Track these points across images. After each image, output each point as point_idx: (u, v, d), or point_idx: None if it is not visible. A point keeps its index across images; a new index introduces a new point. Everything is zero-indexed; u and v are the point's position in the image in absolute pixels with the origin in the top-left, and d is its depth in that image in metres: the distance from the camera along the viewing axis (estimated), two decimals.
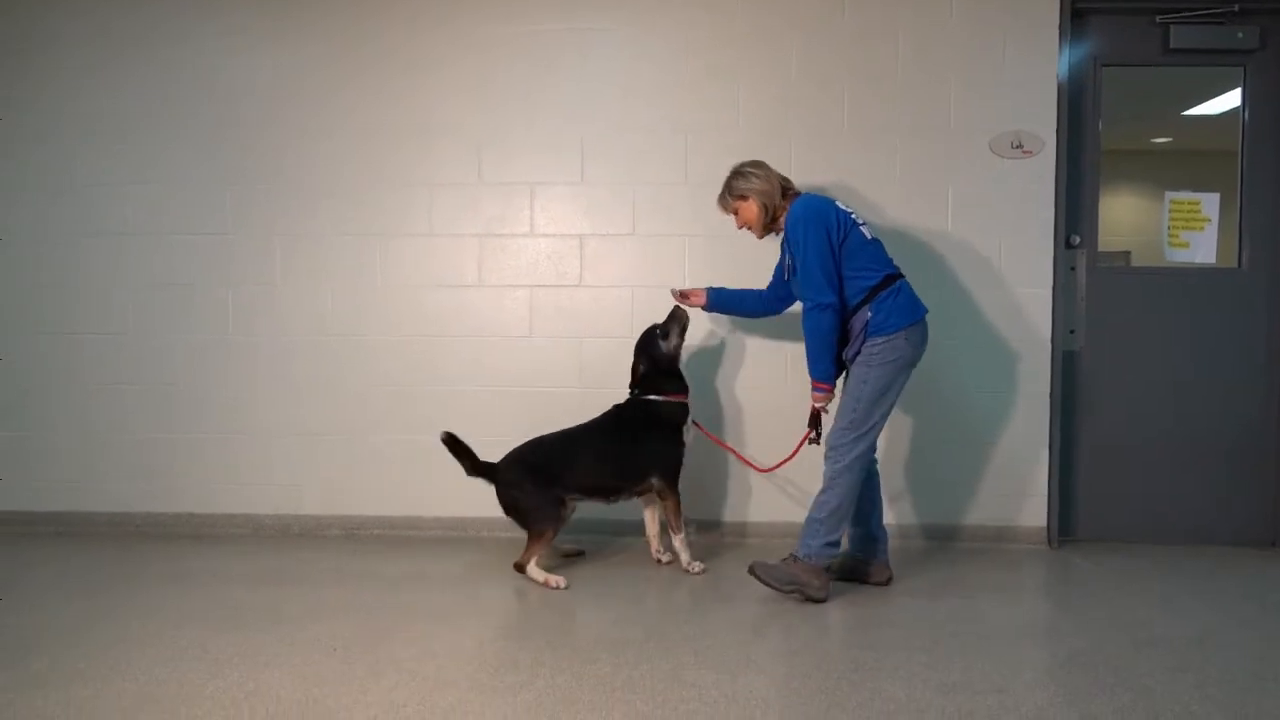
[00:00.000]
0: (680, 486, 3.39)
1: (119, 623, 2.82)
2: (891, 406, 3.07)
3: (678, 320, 3.44)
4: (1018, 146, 3.79)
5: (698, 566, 3.38)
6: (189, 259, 3.99)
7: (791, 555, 3.07)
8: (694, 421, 3.47)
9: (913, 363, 3.08)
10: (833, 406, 3.17)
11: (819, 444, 3.20)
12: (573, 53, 3.89)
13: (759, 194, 3.17)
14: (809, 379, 3.11)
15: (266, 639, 2.68)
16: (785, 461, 3.45)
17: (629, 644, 2.66)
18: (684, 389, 3.43)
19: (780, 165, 3.78)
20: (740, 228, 3.31)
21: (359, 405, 3.98)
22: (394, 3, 3.92)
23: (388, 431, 3.97)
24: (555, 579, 3.19)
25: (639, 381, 3.44)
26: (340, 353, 3.98)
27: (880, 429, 3.06)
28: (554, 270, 3.94)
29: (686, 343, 3.50)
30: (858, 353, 3.05)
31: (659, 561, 3.50)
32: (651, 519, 3.54)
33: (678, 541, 3.39)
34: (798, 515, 3.82)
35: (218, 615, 2.90)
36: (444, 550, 3.71)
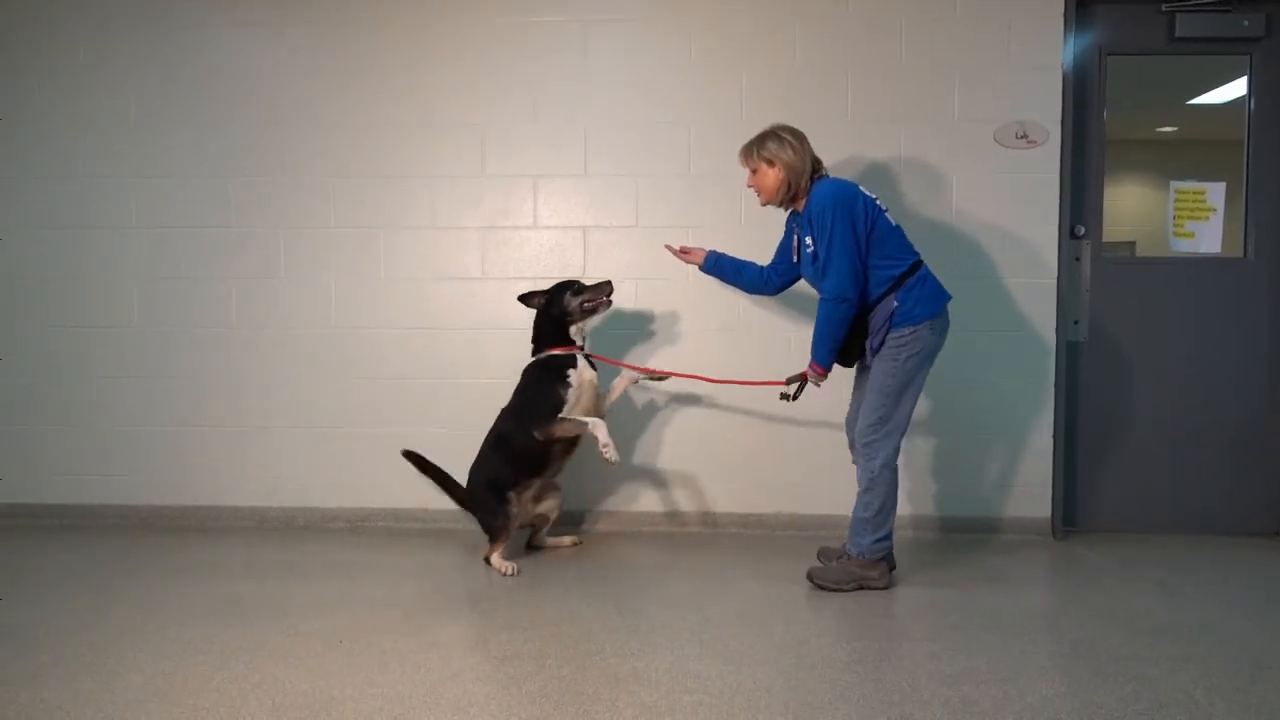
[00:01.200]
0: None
1: (125, 615, 2.83)
2: (918, 397, 3.06)
3: (600, 292, 3.42)
4: (1022, 137, 3.78)
5: (612, 453, 3.21)
6: (193, 252, 4.00)
7: (845, 554, 3.11)
8: (593, 359, 3.49)
9: (936, 351, 3.06)
10: (826, 385, 3.17)
11: (789, 401, 3.22)
12: (576, 44, 3.88)
13: (787, 166, 3.05)
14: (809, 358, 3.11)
15: (272, 631, 2.69)
16: (739, 383, 3.47)
17: (633, 634, 2.66)
18: (571, 343, 3.43)
19: None
20: (750, 187, 3.20)
21: (363, 397, 3.99)
22: None
23: (392, 424, 3.98)
24: (509, 566, 3.29)
25: (533, 338, 3.51)
26: (344, 345, 3.99)
27: (909, 420, 3.06)
28: (557, 262, 3.93)
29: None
30: (882, 343, 3.00)
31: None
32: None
33: (591, 425, 3.26)
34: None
35: (223, 608, 2.91)
36: (449, 542, 3.72)
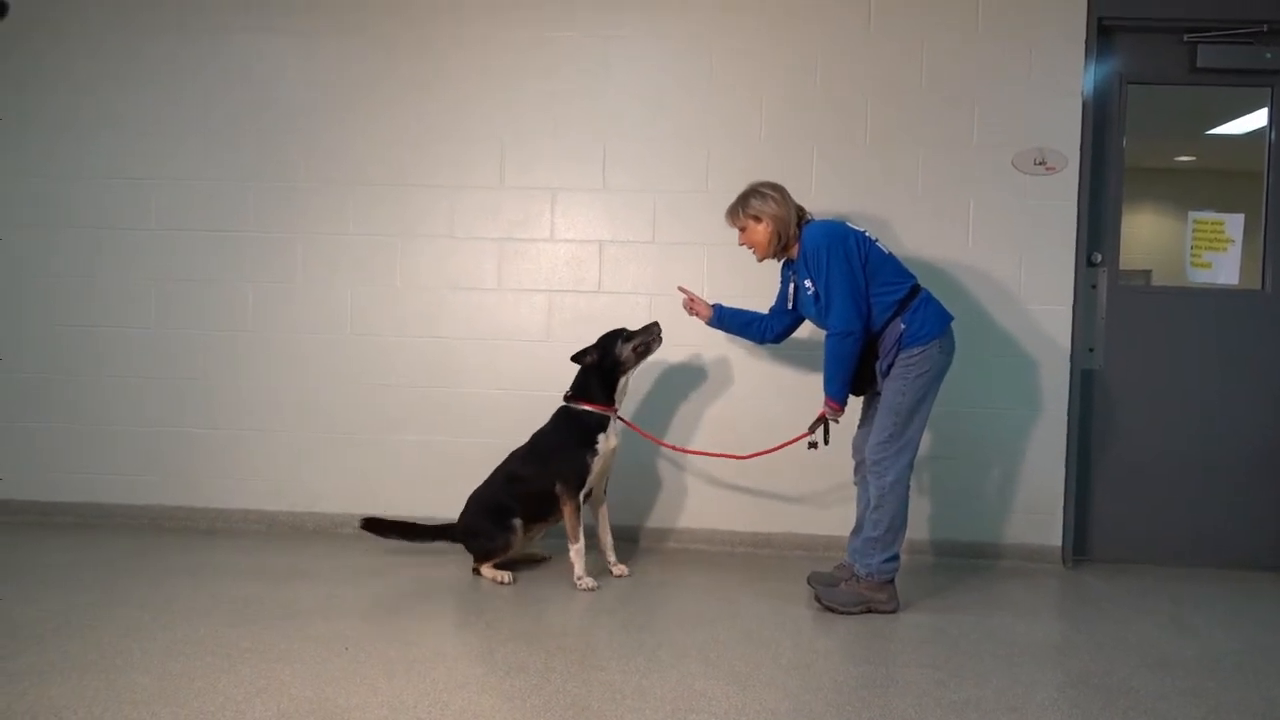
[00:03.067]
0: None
1: (132, 615, 2.84)
2: (927, 416, 3.08)
3: (649, 334, 3.38)
4: (1040, 163, 3.77)
5: (588, 582, 3.25)
6: (210, 254, 4.02)
7: (854, 575, 3.11)
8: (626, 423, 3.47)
9: (945, 371, 3.09)
10: (844, 420, 3.19)
11: (816, 448, 3.26)
12: (597, 60, 3.91)
13: (774, 218, 3.12)
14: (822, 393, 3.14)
15: (279, 635, 2.70)
16: (767, 452, 3.44)
17: (638, 651, 2.65)
18: (611, 403, 3.37)
19: (801, 179, 3.82)
20: (742, 245, 3.27)
21: (375, 404, 4.00)
22: (420, 7, 3.94)
23: (403, 431, 3.99)
24: (503, 575, 3.31)
25: (575, 384, 3.42)
26: (358, 352, 4.00)
27: (919, 439, 3.08)
28: (573, 275, 3.95)
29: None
30: (891, 364, 3.04)
31: (613, 574, 3.44)
32: (603, 528, 3.51)
33: (572, 551, 3.30)
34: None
35: (231, 610, 2.92)
36: (456, 552, 3.71)
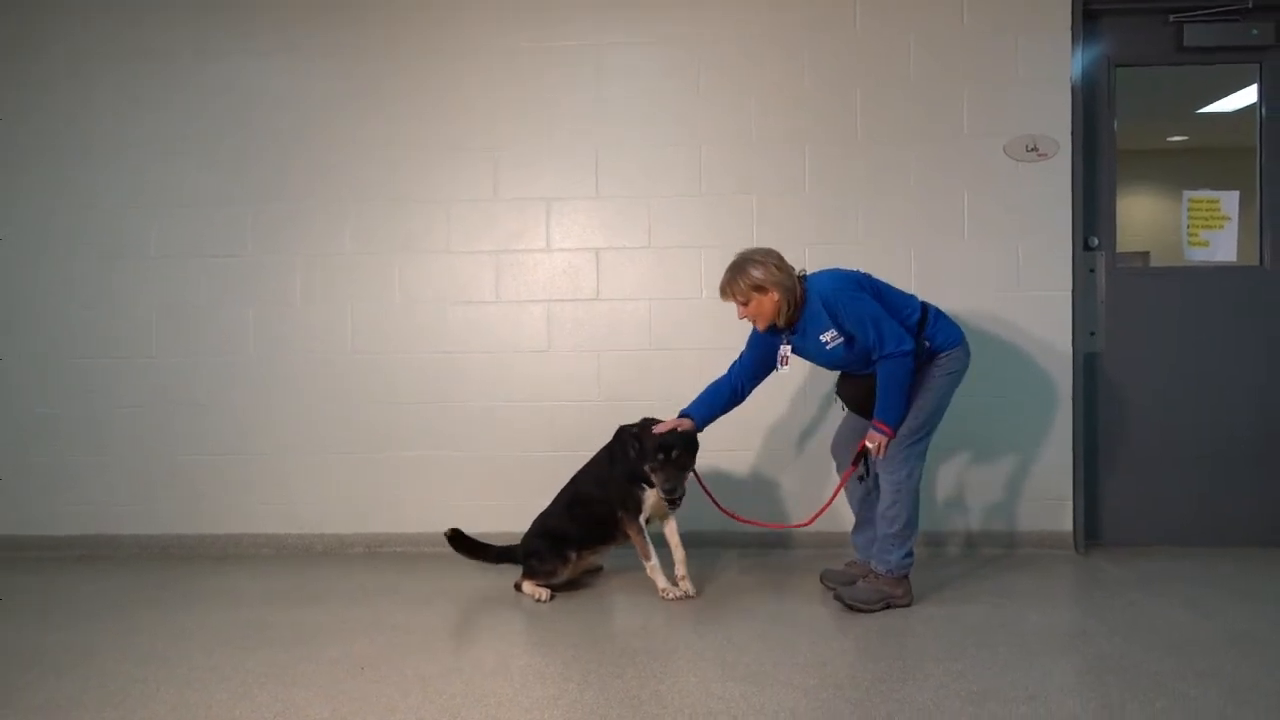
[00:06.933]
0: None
1: (147, 644, 2.84)
2: (943, 416, 3.11)
3: (668, 450, 3.08)
4: (1033, 150, 3.78)
5: (674, 592, 3.21)
6: (209, 279, 4.03)
7: (871, 572, 3.11)
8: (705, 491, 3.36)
9: (965, 373, 3.12)
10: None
11: (865, 480, 3.23)
12: (587, 68, 3.92)
13: (780, 286, 2.99)
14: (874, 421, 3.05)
15: (294, 658, 2.69)
16: (825, 508, 3.31)
17: (655, 657, 2.65)
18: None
19: (794, 174, 3.83)
20: (744, 318, 3.11)
21: (379, 422, 4.00)
22: (409, 23, 3.96)
23: (408, 448, 3.99)
24: (542, 592, 3.25)
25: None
26: (360, 371, 4.00)
27: (931, 437, 3.10)
28: (570, 284, 3.95)
29: None
30: (920, 377, 3.06)
31: (676, 590, 3.25)
32: (673, 544, 3.33)
33: (648, 569, 3.25)
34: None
35: (244, 635, 2.91)
36: (466, 567, 3.70)
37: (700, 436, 3.21)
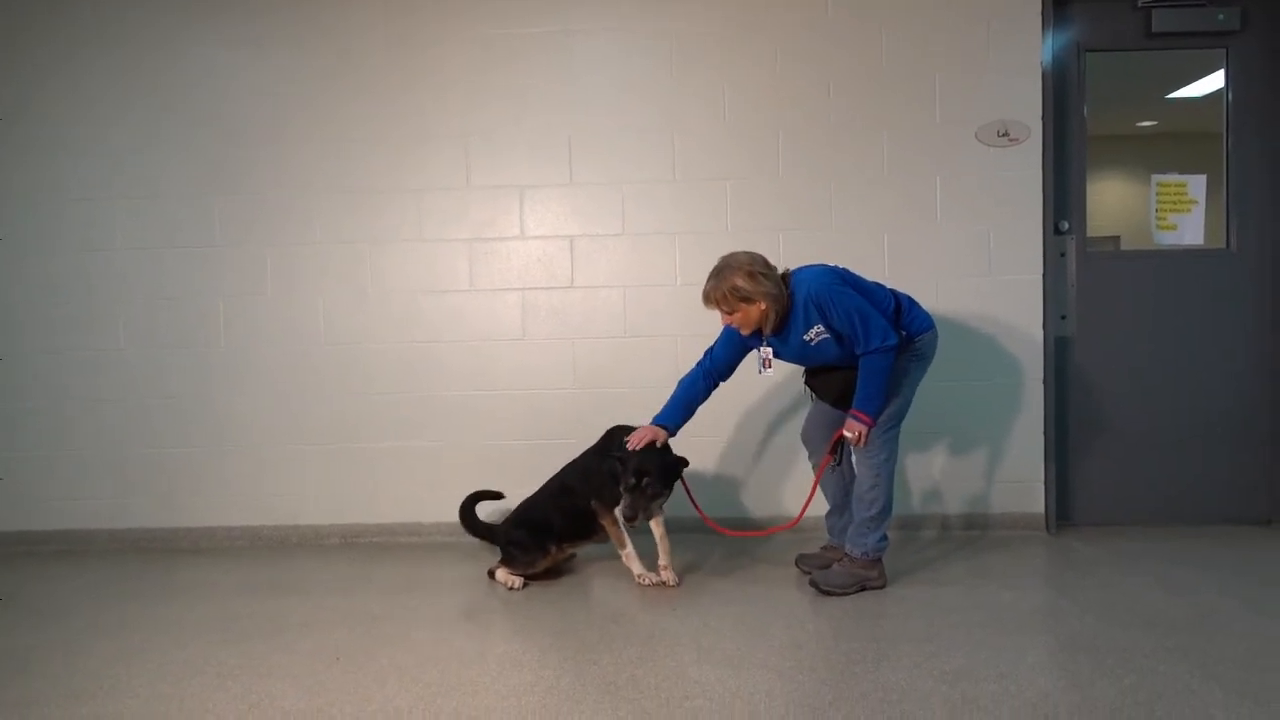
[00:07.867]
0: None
1: (120, 639, 2.82)
2: (911, 398, 3.13)
3: (639, 477, 3.05)
4: (1004, 135, 3.80)
5: (650, 578, 3.24)
6: (179, 271, 3.98)
7: (846, 556, 3.13)
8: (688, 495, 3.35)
9: (933, 356, 3.14)
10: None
11: (840, 466, 3.25)
12: (559, 54, 3.89)
13: (768, 296, 2.93)
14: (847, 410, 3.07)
15: (269, 649, 2.68)
16: (808, 503, 3.26)
17: (631, 642, 2.66)
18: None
19: (768, 160, 3.84)
20: (729, 325, 3.06)
21: (354, 413, 3.98)
22: (379, 10, 3.91)
23: (383, 438, 3.97)
24: (515, 580, 3.26)
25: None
26: (333, 361, 3.97)
27: (903, 419, 3.13)
28: (545, 272, 3.94)
29: None
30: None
31: (654, 576, 3.27)
32: (658, 535, 3.31)
33: (624, 556, 3.28)
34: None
35: (219, 628, 2.89)
36: (443, 556, 3.71)
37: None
